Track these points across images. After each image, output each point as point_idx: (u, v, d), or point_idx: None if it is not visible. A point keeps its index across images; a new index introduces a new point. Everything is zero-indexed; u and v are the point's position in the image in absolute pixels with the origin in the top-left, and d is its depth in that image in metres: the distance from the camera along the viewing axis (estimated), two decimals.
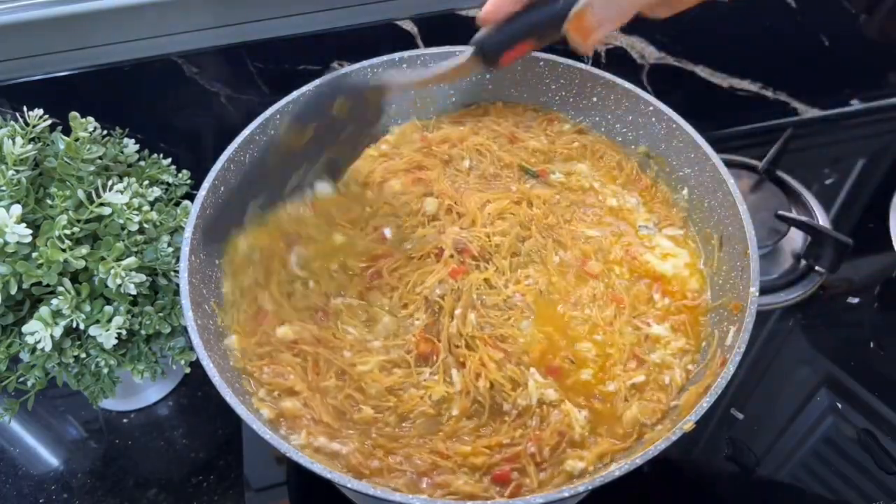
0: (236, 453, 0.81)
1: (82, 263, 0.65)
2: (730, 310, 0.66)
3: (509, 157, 0.80)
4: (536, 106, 0.86)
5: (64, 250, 0.64)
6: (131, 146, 0.80)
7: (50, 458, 0.83)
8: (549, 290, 0.70)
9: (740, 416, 0.83)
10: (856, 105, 1.20)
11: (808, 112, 1.19)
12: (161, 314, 0.73)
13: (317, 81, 0.76)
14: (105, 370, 0.72)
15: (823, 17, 1.07)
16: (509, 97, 0.86)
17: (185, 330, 0.74)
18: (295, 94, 0.78)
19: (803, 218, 0.97)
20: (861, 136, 1.18)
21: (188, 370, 0.77)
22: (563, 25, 0.53)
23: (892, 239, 0.96)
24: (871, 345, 0.91)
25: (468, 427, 0.62)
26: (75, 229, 0.66)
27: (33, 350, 0.67)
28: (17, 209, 0.63)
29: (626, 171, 0.81)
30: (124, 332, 0.68)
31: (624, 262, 0.73)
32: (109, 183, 0.68)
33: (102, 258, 0.66)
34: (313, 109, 0.62)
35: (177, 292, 0.74)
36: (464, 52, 0.59)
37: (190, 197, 0.75)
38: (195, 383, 0.88)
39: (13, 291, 0.63)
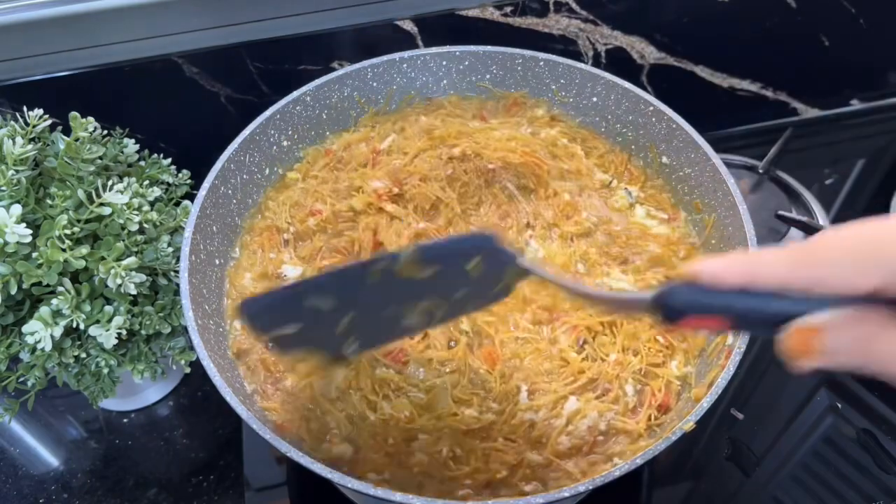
0: (236, 453, 0.81)
1: (82, 263, 0.65)
2: None
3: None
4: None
5: (64, 250, 0.64)
6: (131, 146, 0.79)
7: (50, 458, 0.83)
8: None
9: (740, 416, 0.83)
10: (856, 105, 1.20)
11: (808, 112, 1.19)
12: (161, 314, 0.72)
13: (463, 238, 0.64)
14: (105, 370, 0.71)
15: (823, 18, 1.07)
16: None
17: (185, 330, 0.74)
18: (295, 93, 0.78)
19: (803, 218, 0.97)
20: (861, 136, 1.18)
21: (188, 370, 0.77)
22: (777, 333, 0.39)
23: None
24: None
25: None
26: (75, 229, 0.65)
27: (33, 350, 0.67)
28: (17, 209, 0.63)
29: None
30: (124, 332, 0.68)
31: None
32: (109, 183, 0.68)
33: (102, 258, 0.66)
34: (448, 253, 0.55)
35: (177, 292, 0.74)
36: (641, 296, 0.46)
37: (190, 197, 0.75)
38: (195, 383, 0.88)
39: (13, 291, 0.63)
